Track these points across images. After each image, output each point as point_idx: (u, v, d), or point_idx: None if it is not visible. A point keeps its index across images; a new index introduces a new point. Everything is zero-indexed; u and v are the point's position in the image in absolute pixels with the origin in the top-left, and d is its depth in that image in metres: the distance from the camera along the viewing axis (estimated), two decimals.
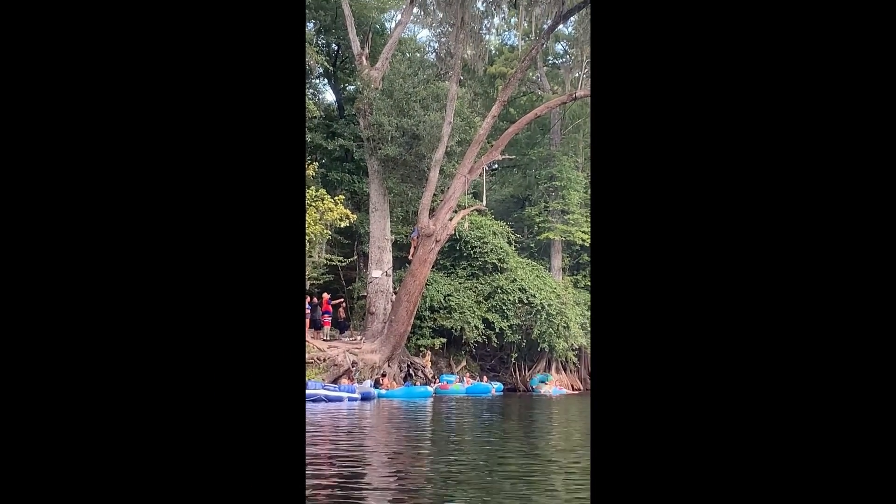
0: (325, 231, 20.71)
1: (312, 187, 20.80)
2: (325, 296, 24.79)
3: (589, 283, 35.82)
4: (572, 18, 25.19)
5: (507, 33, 38.48)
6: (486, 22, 25.54)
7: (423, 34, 34.41)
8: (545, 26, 24.12)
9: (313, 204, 20.00)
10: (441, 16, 25.00)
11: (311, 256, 21.20)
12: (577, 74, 28.58)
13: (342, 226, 21.99)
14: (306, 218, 19.27)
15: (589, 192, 35.83)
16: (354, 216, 23.32)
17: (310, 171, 20.18)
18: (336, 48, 30.60)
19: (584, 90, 24.71)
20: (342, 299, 26.66)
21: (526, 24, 26.22)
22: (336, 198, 21.47)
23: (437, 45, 27.85)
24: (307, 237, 19.46)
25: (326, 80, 32.16)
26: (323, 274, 25.01)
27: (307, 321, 23.24)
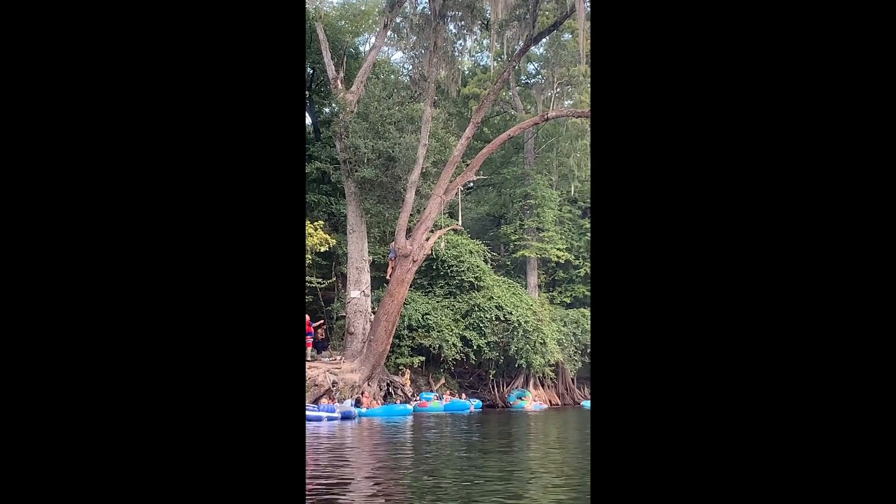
0: (306, 256, 21.03)
1: None
2: (307, 318, 25.06)
3: (565, 300, 36.39)
4: (543, 40, 25.74)
5: (479, 54, 39.01)
6: (458, 44, 26.02)
7: (397, 56, 34.87)
8: (517, 48, 24.62)
9: None
10: (414, 39, 25.42)
11: None
12: (548, 94, 29.10)
13: (322, 250, 22.29)
14: None
15: (563, 209, 36.47)
16: (333, 240, 23.62)
17: None
18: (311, 72, 30.97)
19: (555, 111, 25.21)
20: (322, 321, 26.91)
21: (498, 46, 26.74)
22: (315, 223, 21.77)
23: (410, 68, 28.28)
24: None
25: None
26: None
27: None
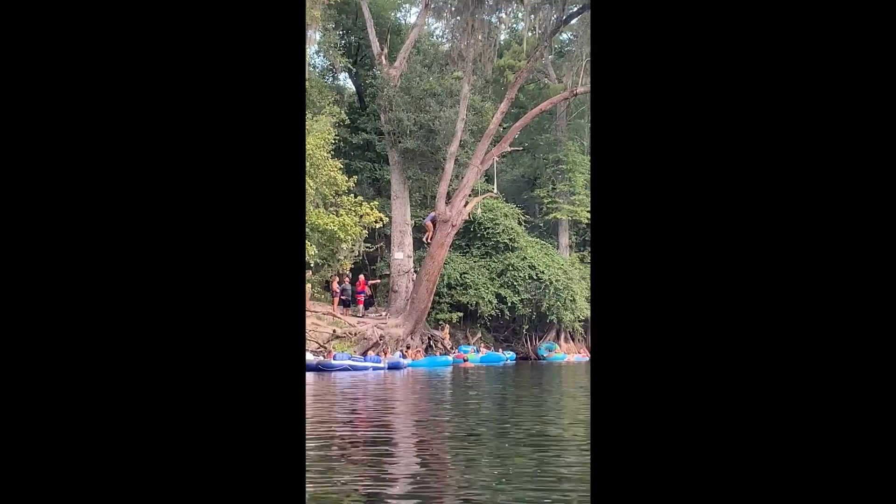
0: (363, 231, 23.43)
1: (352, 195, 23.54)
2: (361, 277, 27.67)
3: None
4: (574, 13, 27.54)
5: (515, 24, 40.54)
6: (494, 18, 27.86)
7: (438, 26, 36.71)
8: (548, 27, 26.49)
9: (353, 209, 22.82)
10: (454, 21, 27.35)
11: (352, 251, 24.01)
12: (579, 66, 30.78)
13: (377, 226, 24.65)
14: (348, 221, 21.98)
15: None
16: (386, 218, 25.92)
17: (339, 173, 22.62)
18: (357, 45, 33.01)
19: (583, 87, 27.10)
20: (378, 280, 29.46)
21: (531, 22, 28.52)
22: (371, 203, 24.08)
23: (449, 46, 30.21)
24: (350, 237, 22.20)
25: (347, 75, 34.62)
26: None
27: (336, 300, 26.10)
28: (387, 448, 6.44)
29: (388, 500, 4.25)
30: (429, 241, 26.56)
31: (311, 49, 28.51)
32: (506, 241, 32.76)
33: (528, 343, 34.38)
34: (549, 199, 37.76)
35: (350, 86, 35.79)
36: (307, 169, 20.18)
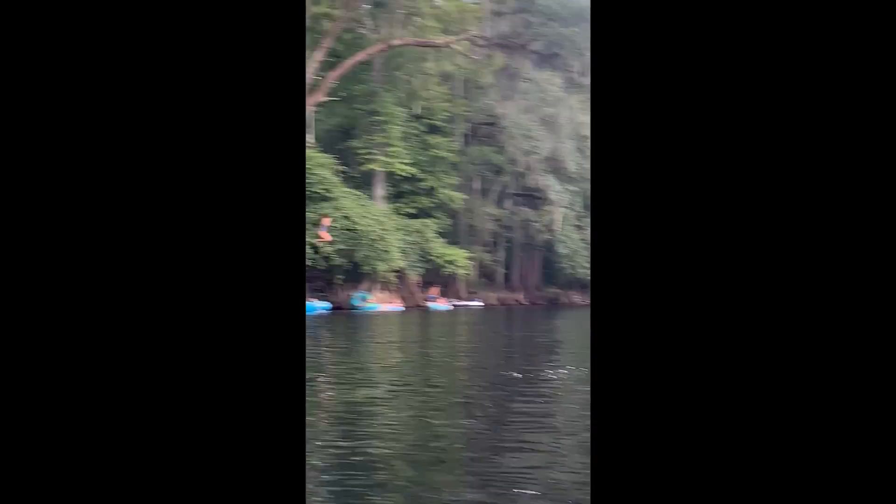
0: None
1: None
2: None
3: (410, 211, 39.22)
4: None
5: None
6: None
7: None
8: None
9: None
10: None
11: None
12: (396, 17, 30.87)
13: None
14: None
15: (408, 125, 38.85)
16: None
17: None
18: None
19: (400, 39, 27.29)
20: None
21: None
22: None
23: None
24: None
25: None
26: None
27: None
28: None
29: None
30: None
31: None
32: (320, 191, 32.67)
33: (343, 293, 34.61)
34: (365, 150, 37.86)
35: None
36: None
